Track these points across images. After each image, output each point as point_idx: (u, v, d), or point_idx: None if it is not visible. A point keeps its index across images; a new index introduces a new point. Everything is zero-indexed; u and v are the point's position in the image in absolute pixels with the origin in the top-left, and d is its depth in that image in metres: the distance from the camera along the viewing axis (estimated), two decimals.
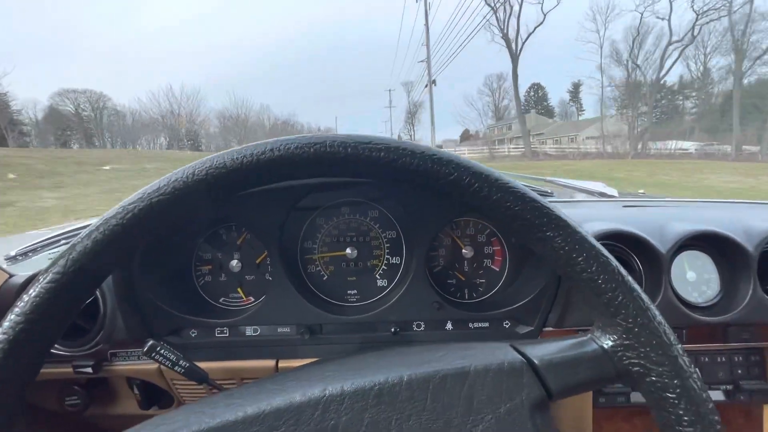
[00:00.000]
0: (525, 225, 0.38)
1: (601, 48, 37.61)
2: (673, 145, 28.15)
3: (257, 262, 0.78)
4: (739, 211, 0.88)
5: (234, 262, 0.78)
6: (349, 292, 0.80)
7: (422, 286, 0.73)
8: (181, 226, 0.75)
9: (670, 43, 30.74)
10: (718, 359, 0.78)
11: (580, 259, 0.37)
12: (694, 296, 0.74)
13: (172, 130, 49.49)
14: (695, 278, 0.75)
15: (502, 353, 0.39)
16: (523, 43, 33.89)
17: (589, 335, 0.39)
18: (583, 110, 65.43)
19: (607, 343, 0.37)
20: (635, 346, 0.36)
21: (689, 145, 27.65)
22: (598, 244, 0.37)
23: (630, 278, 0.36)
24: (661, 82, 38.93)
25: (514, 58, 34.04)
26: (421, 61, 30.34)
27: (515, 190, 0.38)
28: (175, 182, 0.37)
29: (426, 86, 30.24)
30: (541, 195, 1.26)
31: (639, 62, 37.79)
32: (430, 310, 0.73)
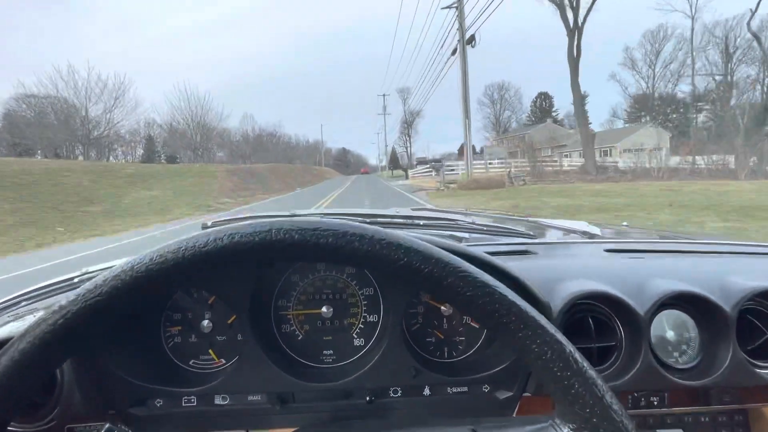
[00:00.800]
0: (479, 309, 0.38)
1: (693, 19, 29.49)
2: None
3: (229, 322, 0.77)
4: (721, 261, 0.91)
5: (205, 323, 0.77)
6: (324, 352, 0.79)
7: (399, 347, 0.73)
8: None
9: None
10: (702, 419, 0.79)
11: (534, 346, 0.37)
12: (675, 356, 0.75)
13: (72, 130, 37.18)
14: (675, 338, 0.76)
15: None
16: (591, 6, 24.39)
17: (550, 421, 0.40)
18: (590, 123, 60.40)
19: (566, 431, 0.38)
20: None
21: None
22: (551, 328, 0.38)
23: (586, 364, 0.37)
24: (673, 93, 35.77)
25: (572, 29, 24.44)
26: (448, 7, 20.80)
27: (466, 274, 0.38)
28: (113, 280, 0.37)
29: (454, 53, 20.77)
30: (524, 237, 1.10)
31: (657, 69, 33.75)
32: (407, 375, 0.73)
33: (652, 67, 34.95)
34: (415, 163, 61.81)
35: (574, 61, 24.28)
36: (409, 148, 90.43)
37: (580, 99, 25.40)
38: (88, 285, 0.37)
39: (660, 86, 34.82)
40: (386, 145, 79.98)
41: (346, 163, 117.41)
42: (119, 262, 0.38)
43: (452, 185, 18.96)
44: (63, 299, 0.37)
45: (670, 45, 33.40)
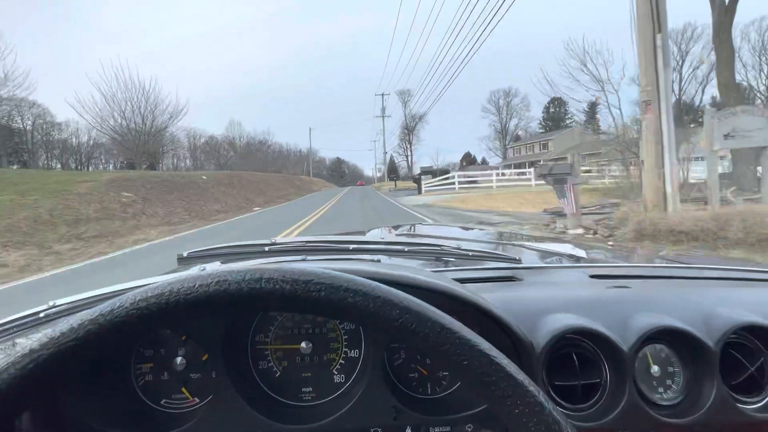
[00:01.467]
0: (475, 379, 0.37)
1: None
2: None
3: (203, 359, 0.76)
4: (707, 291, 0.92)
5: (178, 359, 0.75)
6: (303, 389, 0.77)
7: (381, 384, 0.73)
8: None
9: None
10: None
11: (530, 424, 0.37)
12: (660, 392, 0.76)
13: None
14: (659, 373, 0.76)
15: None
16: None
17: None
18: (602, 132, 51.99)
19: None
20: None
21: None
22: (550, 406, 0.37)
23: None
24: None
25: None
26: None
27: (464, 341, 0.37)
28: (90, 324, 0.35)
29: None
30: (509, 262, 1.11)
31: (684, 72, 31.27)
32: (388, 414, 0.72)
33: (678, 70, 33.21)
34: (418, 173, 50.14)
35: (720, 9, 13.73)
36: (410, 157, 77.84)
37: (731, 62, 13.51)
38: (62, 327, 0.36)
39: (688, 90, 34.33)
40: (385, 152, 68.15)
41: (340, 173, 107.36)
42: (103, 303, 0.37)
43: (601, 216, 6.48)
44: (35, 343, 0.36)
45: (697, 46, 32.74)
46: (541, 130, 64.46)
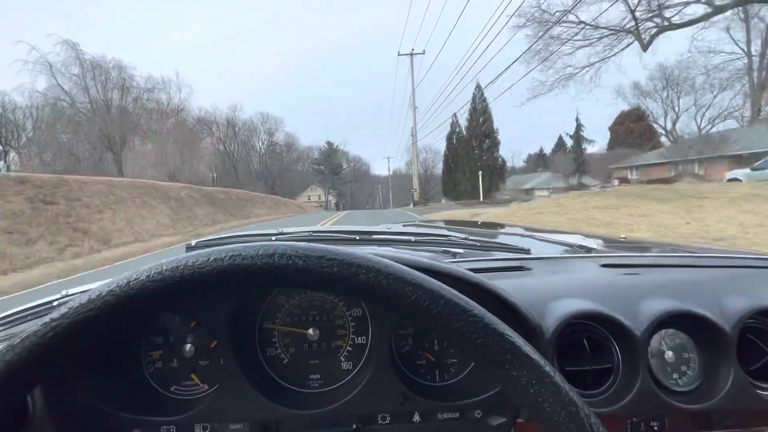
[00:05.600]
0: (488, 358, 0.38)
1: None
2: None
3: (212, 346, 0.81)
4: (720, 276, 0.97)
5: (187, 347, 0.80)
6: (311, 376, 0.82)
7: (388, 371, 0.78)
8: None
9: None
10: None
11: (545, 405, 0.37)
12: (674, 378, 0.80)
13: None
14: (674, 358, 0.80)
15: None
16: None
17: None
18: None
19: None
20: None
21: None
22: (566, 386, 0.37)
23: (602, 429, 0.36)
24: None
25: None
26: None
27: (477, 318, 0.38)
28: (108, 295, 0.37)
29: None
30: (519, 252, 1.15)
31: None
32: (396, 400, 0.77)
33: None
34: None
35: None
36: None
37: None
38: (81, 298, 0.38)
39: None
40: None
41: (333, 167, 68.57)
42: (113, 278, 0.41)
43: None
44: (55, 313, 0.38)
45: None
46: None
